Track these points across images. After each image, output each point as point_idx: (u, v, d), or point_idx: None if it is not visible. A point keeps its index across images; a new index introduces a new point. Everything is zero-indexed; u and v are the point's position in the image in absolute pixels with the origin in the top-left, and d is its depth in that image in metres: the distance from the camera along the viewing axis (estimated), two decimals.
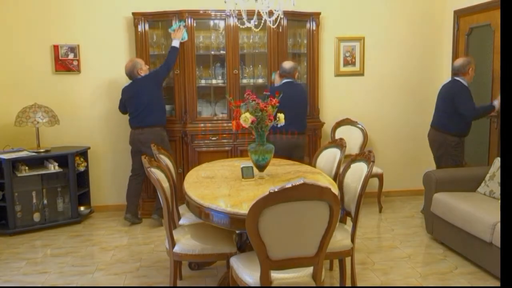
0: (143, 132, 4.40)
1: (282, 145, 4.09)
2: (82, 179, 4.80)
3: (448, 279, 3.36)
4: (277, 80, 4.48)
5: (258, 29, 3.64)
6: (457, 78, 4.26)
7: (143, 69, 4.46)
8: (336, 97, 5.33)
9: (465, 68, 4.22)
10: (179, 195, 3.49)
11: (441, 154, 4.36)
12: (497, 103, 4.11)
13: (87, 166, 4.80)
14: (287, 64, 4.30)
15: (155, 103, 4.44)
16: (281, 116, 3.17)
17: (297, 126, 4.19)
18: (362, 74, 5.37)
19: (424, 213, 4.35)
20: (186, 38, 4.55)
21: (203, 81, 4.89)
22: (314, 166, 3.66)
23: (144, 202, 4.79)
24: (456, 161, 4.30)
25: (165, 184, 2.94)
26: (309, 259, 2.31)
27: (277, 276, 2.32)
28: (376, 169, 4.82)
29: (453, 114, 4.22)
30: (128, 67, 4.44)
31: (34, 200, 4.49)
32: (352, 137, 5.14)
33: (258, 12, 3.19)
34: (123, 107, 4.60)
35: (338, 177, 3.29)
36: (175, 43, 4.47)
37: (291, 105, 3.95)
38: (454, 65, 4.33)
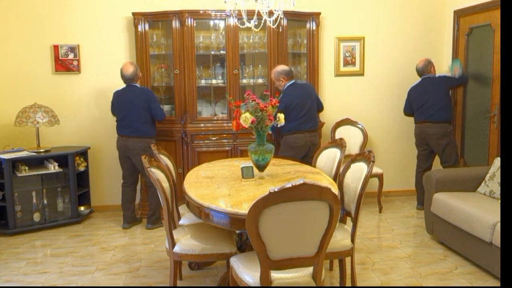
0: (129, 140, 4.32)
1: (301, 144, 4.31)
2: (82, 179, 4.80)
3: (448, 279, 3.36)
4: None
5: (258, 29, 3.64)
6: (428, 75, 4.76)
7: (139, 77, 4.44)
8: (336, 97, 5.33)
9: (428, 67, 4.78)
10: (179, 195, 3.49)
11: (445, 145, 4.64)
12: (455, 70, 4.81)
13: (87, 166, 4.80)
14: (286, 67, 4.43)
15: (146, 116, 4.33)
16: (281, 116, 3.18)
17: (312, 123, 4.40)
18: (362, 74, 5.37)
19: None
20: None
21: (203, 81, 4.89)
22: (314, 166, 3.66)
23: (143, 202, 4.79)
24: (455, 147, 4.71)
25: (165, 184, 2.94)
26: (309, 259, 2.31)
27: (277, 276, 2.32)
28: (376, 169, 4.82)
29: (445, 104, 4.66)
30: (132, 70, 4.33)
31: (34, 200, 4.49)
32: (352, 137, 5.15)
33: (258, 12, 3.19)
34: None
35: (338, 177, 3.29)
36: None
37: (303, 104, 4.28)
38: (419, 67, 4.80)
